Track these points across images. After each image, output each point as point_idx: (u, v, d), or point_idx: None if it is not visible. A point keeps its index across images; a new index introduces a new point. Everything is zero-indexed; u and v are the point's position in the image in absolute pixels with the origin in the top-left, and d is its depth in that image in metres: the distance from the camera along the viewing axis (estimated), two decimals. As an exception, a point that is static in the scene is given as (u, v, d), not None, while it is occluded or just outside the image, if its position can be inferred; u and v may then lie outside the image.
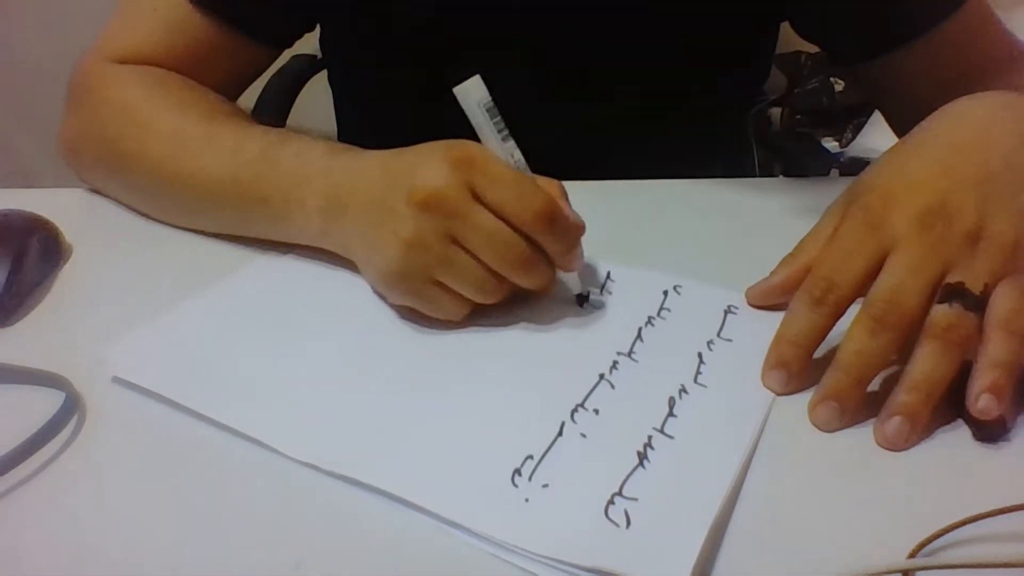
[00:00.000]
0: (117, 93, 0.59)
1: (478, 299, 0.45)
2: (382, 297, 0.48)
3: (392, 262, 0.44)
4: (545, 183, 0.45)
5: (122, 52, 0.61)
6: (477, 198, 0.42)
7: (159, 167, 0.55)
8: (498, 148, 0.44)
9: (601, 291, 0.49)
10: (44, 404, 0.40)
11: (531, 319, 0.47)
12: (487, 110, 0.44)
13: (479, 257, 0.43)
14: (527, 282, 0.45)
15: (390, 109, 0.71)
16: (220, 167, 0.52)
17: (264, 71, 0.70)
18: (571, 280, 0.48)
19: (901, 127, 0.68)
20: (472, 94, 0.43)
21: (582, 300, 0.48)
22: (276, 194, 0.50)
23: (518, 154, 0.45)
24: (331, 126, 0.84)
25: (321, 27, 0.73)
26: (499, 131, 0.44)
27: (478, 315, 0.47)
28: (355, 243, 0.47)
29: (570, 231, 0.45)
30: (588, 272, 0.51)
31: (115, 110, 0.58)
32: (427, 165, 0.43)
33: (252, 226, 0.53)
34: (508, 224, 0.43)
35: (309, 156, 0.50)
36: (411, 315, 0.47)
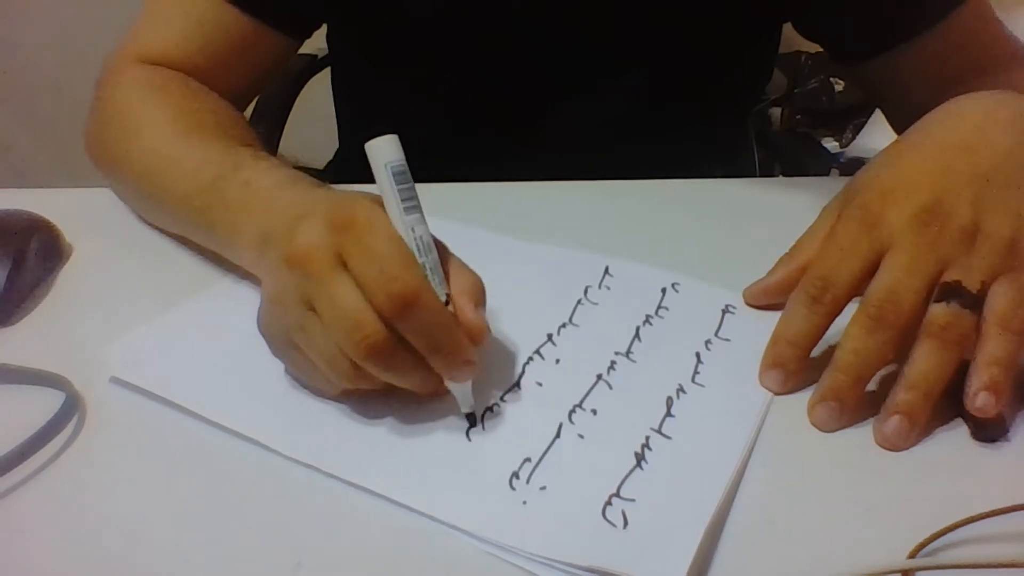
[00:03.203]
0: (119, 95, 0.59)
1: (335, 380, 0.39)
2: None
3: (260, 314, 0.41)
4: (460, 275, 0.40)
5: (147, 50, 0.61)
6: (345, 266, 0.37)
7: (139, 181, 0.55)
8: (397, 219, 0.38)
9: (496, 406, 0.41)
10: (44, 404, 0.40)
11: (530, 322, 0.47)
12: (395, 174, 0.38)
13: (330, 328, 0.37)
14: (387, 376, 0.38)
15: (392, 109, 0.72)
16: (179, 191, 0.51)
17: (287, 63, 0.70)
18: (459, 393, 0.40)
19: (901, 126, 0.68)
20: (381, 153, 0.38)
21: (472, 420, 0.40)
22: (221, 223, 0.48)
23: (422, 230, 0.38)
24: (331, 126, 0.84)
25: (328, 23, 0.74)
26: (403, 199, 0.38)
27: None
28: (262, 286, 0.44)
29: (442, 328, 0.37)
30: (487, 388, 0.42)
31: (112, 112, 0.59)
32: (307, 221, 0.39)
33: (212, 247, 0.52)
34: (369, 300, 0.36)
35: (254, 188, 0.47)
36: None
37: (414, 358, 0.38)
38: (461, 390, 0.39)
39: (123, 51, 0.62)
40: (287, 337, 0.40)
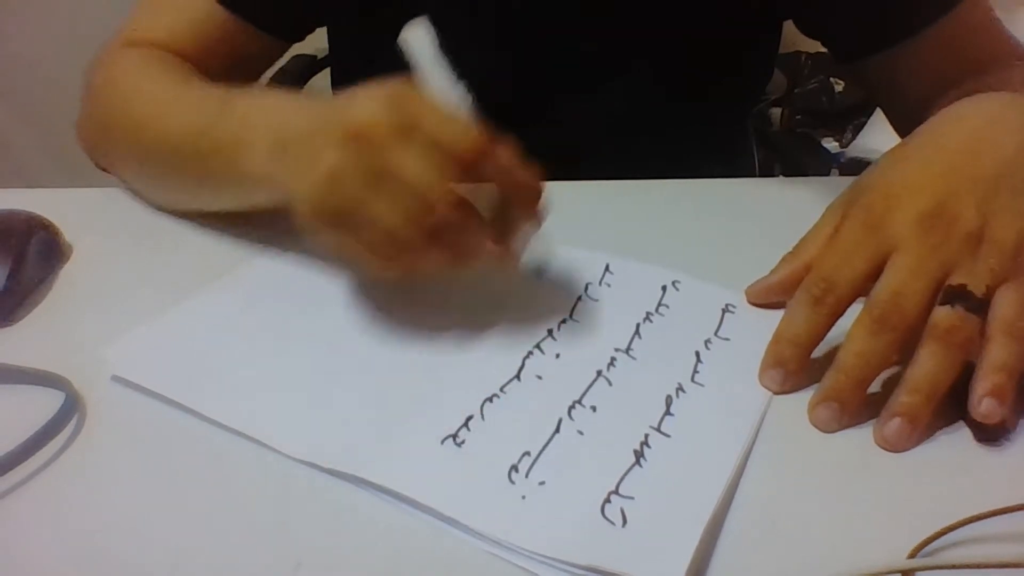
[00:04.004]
0: (111, 72, 0.60)
1: (392, 253, 0.41)
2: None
3: (312, 194, 0.41)
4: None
5: (137, 38, 0.63)
6: (409, 136, 0.39)
7: (139, 132, 0.56)
8: (447, 89, 0.43)
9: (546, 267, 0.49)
10: (44, 404, 0.40)
11: (530, 317, 0.47)
12: (435, 56, 0.43)
13: (400, 200, 0.39)
14: (451, 242, 0.41)
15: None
16: (186, 122, 0.53)
17: (276, 61, 0.70)
18: (534, 247, 0.46)
19: (902, 125, 0.68)
20: (423, 35, 0.44)
21: (539, 273, 0.49)
22: (229, 140, 0.49)
23: (465, 97, 0.44)
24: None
25: (328, 24, 0.74)
26: (447, 73, 0.43)
27: (477, 310, 0.47)
28: (289, 180, 0.44)
29: (518, 171, 0.41)
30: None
31: (109, 88, 0.60)
32: (363, 99, 0.41)
33: (209, 180, 0.52)
34: (439, 164, 0.39)
35: (262, 102, 0.49)
36: (407, 312, 0.47)
37: (477, 218, 0.41)
38: (528, 247, 0.45)
39: (117, 43, 0.63)
40: (345, 212, 0.40)
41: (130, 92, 0.58)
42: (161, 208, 0.58)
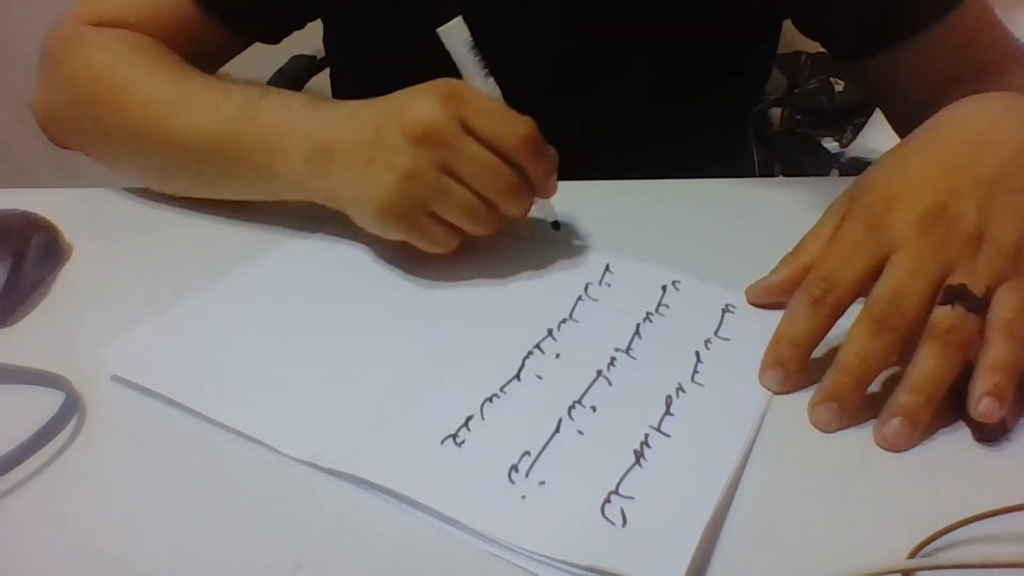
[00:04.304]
0: (93, 56, 0.59)
1: (470, 228, 0.48)
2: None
3: (387, 195, 0.46)
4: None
5: (100, 17, 0.61)
6: (467, 130, 0.45)
7: (140, 128, 0.55)
8: (482, 84, 0.48)
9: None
10: (44, 404, 0.40)
11: (530, 317, 0.47)
12: (471, 48, 0.47)
13: (471, 186, 0.46)
14: (514, 208, 0.48)
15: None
16: (202, 124, 0.53)
17: (235, 56, 0.70)
18: (546, 209, 0.53)
19: (901, 126, 0.68)
20: (456, 33, 0.47)
21: (557, 226, 0.54)
22: (259, 147, 0.51)
23: (498, 91, 0.48)
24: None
25: (324, 24, 0.73)
26: (482, 68, 0.47)
27: (477, 310, 0.47)
28: (343, 187, 0.49)
29: (550, 157, 0.48)
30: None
31: (91, 73, 0.58)
32: (418, 101, 0.46)
33: (233, 181, 0.54)
34: (496, 152, 0.46)
35: (289, 108, 0.51)
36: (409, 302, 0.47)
37: (528, 187, 0.48)
38: (547, 205, 0.53)
39: (75, 16, 0.62)
40: (421, 206, 0.46)
41: (120, 82, 0.57)
42: (147, 187, 0.58)
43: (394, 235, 0.48)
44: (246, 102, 0.52)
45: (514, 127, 0.46)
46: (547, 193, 0.50)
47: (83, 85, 0.58)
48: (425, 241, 0.48)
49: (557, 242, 0.54)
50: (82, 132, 0.60)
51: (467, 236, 0.49)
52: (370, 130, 0.47)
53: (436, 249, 0.48)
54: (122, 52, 0.58)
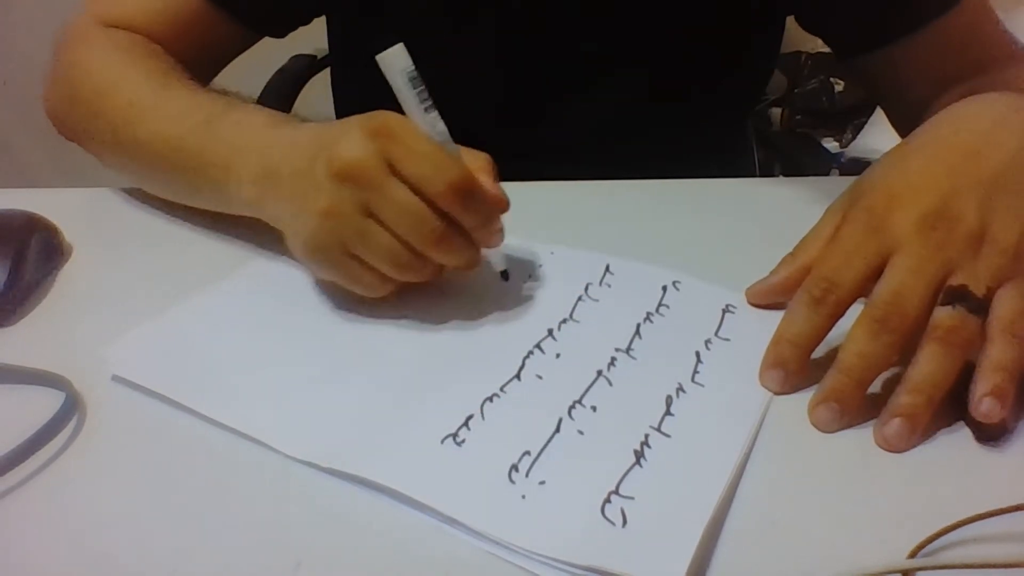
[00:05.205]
0: (85, 55, 0.60)
1: (395, 275, 0.44)
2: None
3: (311, 233, 0.44)
4: (471, 156, 0.45)
5: (109, 16, 0.62)
6: (394, 170, 0.42)
7: (118, 132, 0.56)
8: (420, 119, 0.43)
9: (533, 269, 0.51)
10: (44, 404, 0.40)
11: (531, 317, 0.47)
12: (410, 79, 0.42)
13: (394, 231, 0.42)
14: (446, 259, 0.44)
15: (391, 110, 0.72)
16: (169, 134, 0.53)
17: (243, 53, 0.70)
18: (494, 256, 0.48)
19: (902, 124, 0.68)
20: (395, 62, 0.42)
21: (506, 276, 0.49)
22: (216, 162, 0.50)
23: (441, 125, 0.43)
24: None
25: (328, 21, 0.74)
26: (422, 101, 0.43)
27: (477, 310, 0.47)
28: (282, 215, 0.47)
29: (487, 206, 0.44)
30: (514, 248, 0.50)
31: (81, 74, 0.59)
32: (347, 135, 0.43)
33: (196, 194, 0.54)
34: (424, 198, 0.42)
35: (249, 126, 0.50)
36: (390, 310, 0.47)
37: (463, 237, 0.44)
38: (495, 254, 0.48)
39: (86, 14, 0.63)
40: (343, 248, 0.43)
41: (104, 85, 0.57)
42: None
43: (320, 274, 0.47)
44: (211, 115, 0.52)
45: (442, 172, 0.42)
46: (487, 243, 0.46)
47: (76, 85, 0.59)
48: (352, 284, 0.45)
49: (557, 242, 0.54)
50: (75, 129, 0.60)
51: (404, 282, 0.45)
52: (307, 160, 0.44)
53: (366, 293, 0.46)
54: (113, 55, 0.59)
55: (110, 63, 0.58)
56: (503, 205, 0.45)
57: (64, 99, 0.60)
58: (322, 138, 0.44)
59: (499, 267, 0.49)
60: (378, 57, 0.42)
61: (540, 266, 0.52)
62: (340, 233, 0.43)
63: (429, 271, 0.45)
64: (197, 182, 0.52)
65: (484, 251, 0.46)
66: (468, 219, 0.43)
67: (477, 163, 0.44)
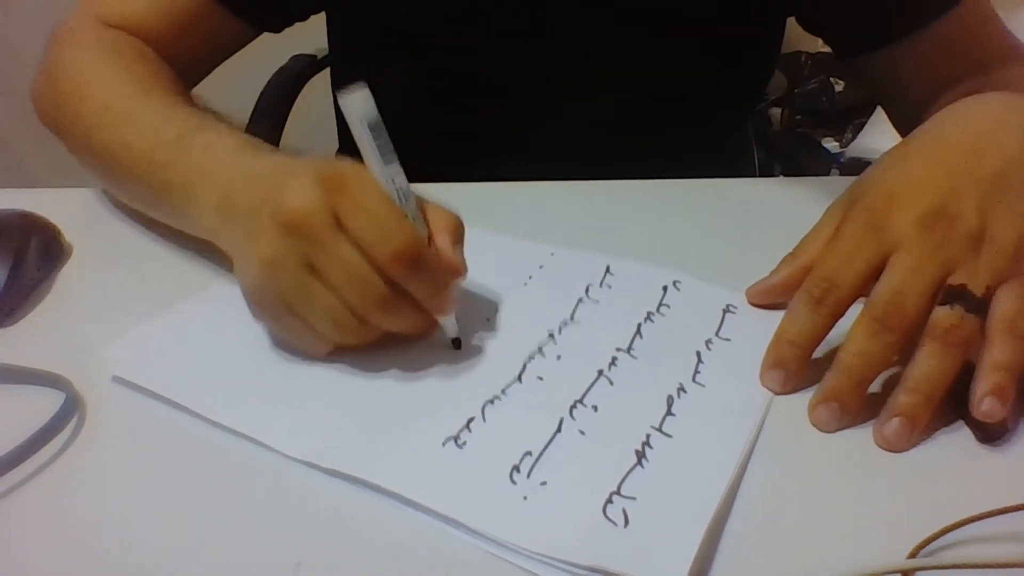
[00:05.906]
0: (72, 53, 0.59)
1: (335, 337, 0.42)
2: None
3: (251, 279, 0.42)
4: (436, 214, 0.42)
5: (107, 10, 0.62)
6: (341, 226, 0.39)
7: (89, 135, 0.55)
8: (378, 171, 0.40)
9: (484, 327, 0.46)
10: (44, 404, 0.40)
11: (531, 320, 0.47)
12: (371, 127, 0.39)
13: (337, 291, 0.40)
14: (391, 325, 0.42)
15: (392, 109, 0.71)
16: (140, 145, 0.51)
17: (240, 49, 0.70)
18: (446, 323, 0.44)
19: (902, 123, 0.68)
20: (356, 108, 0.39)
21: (457, 344, 0.44)
22: (180, 183, 0.48)
23: (401, 179, 0.40)
24: (331, 126, 0.84)
25: (328, 19, 0.74)
26: (382, 152, 0.39)
27: (478, 312, 0.47)
28: (234, 251, 0.45)
29: (437, 274, 0.41)
30: (467, 313, 0.46)
31: (62, 71, 0.59)
32: (296, 181, 0.40)
33: (159, 209, 0.52)
34: (370, 260, 0.39)
35: (217, 150, 0.47)
36: None
37: (411, 303, 0.41)
38: (447, 320, 0.43)
39: (83, 10, 0.62)
40: (282, 300, 0.41)
41: (83, 86, 0.56)
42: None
43: (259, 320, 0.44)
44: (183, 132, 0.49)
45: (388, 237, 0.38)
46: (437, 312, 0.42)
47: (58, 82, 0.59)
48: (291, 339, 0.43)
49: (557, 243, 0.54)
50: (54, 126, 0.60)
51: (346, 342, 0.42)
52: (259, 199, 0.41)
53: (303, 348, 0.43)
54: (99, 56, 0.58)
55: (94, 64, 0.58)
56: (458, 272, 0.42)
57: (47, 94, 0.60)
58: (278, 176, 0.42)
59: (451, 335, 0.44)
60: (340, 100, 0.39)
61: (541, 268, 0.52)
62: (279, 287, 0.40)
63: (372, 336, 0.42)
64: (160, 198, 0.51)
65: (437, 317, 0.43)
66: (415, 288, 0.40)
67: (441, 222, 0.42)
